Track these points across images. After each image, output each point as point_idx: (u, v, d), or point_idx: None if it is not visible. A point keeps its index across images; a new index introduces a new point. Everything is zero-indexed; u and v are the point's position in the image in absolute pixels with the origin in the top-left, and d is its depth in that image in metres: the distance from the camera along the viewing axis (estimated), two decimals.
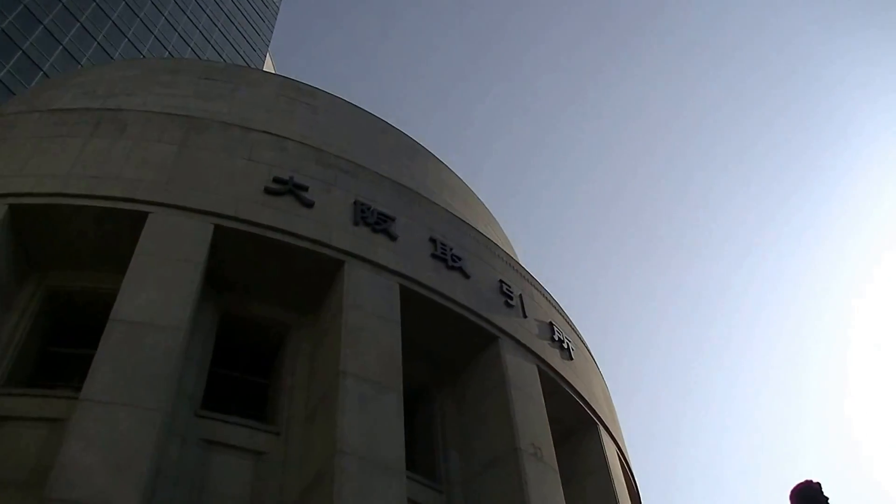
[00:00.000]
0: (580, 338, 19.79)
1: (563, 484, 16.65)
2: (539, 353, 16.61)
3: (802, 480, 8.61)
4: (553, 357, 17.16)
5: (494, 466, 14.02)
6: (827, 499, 8.36)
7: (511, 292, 17.10)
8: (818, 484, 8.46)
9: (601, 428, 17.86)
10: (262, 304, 15.00)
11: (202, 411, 12.92)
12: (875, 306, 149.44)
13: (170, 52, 70.47)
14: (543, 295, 18.73)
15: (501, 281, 17.18)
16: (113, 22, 63.62)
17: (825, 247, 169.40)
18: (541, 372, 16.40)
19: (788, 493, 8.72)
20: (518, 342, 16.16)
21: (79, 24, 58.84)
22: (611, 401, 20.55)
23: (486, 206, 24.71)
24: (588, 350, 20.10)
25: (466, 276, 16.29)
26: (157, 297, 12.35)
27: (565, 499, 16.53)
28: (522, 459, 13.77)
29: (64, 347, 14.11)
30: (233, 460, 12.58)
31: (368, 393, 12.61)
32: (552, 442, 14.99)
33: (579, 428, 17.72)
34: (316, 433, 12.58)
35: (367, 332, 13.58)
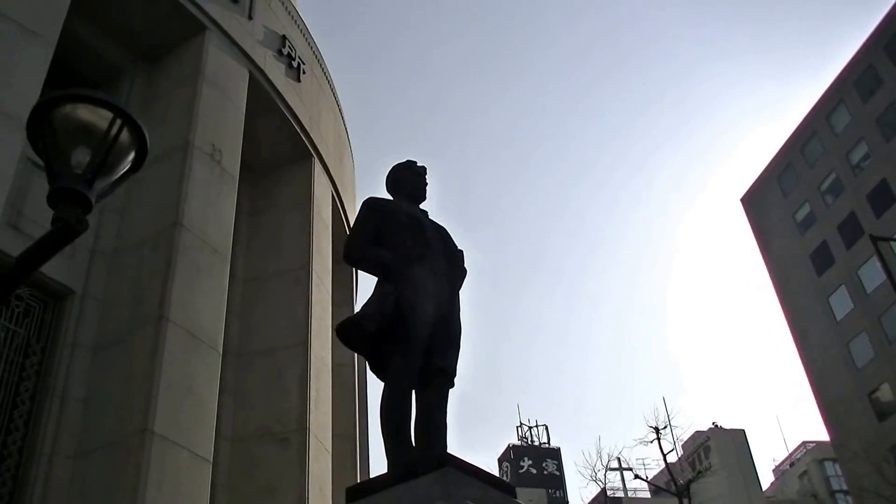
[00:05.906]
0: (322, 65, 18.17)
1: (263, 213, 15.90)
2: (257, 61, 14.89)
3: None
4: (275, 72, 15.55)
5: (160, 161, 12.49)
6: (424, 184, 6.70)
7: None
8: (423, 168, 6.79)
9: (317, 162, 16.74)
10: None
11: None
12: None
13: None
14: (285, 7, 16.82)
15: None
16: None
17: None
18: (256, 83, 14.84)
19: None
20: (232, 41, 14.36)
21: None
22: (344, 137, 19.41)
23: None
24: (329, 81, 18.62)
25: None
26: None
27: (263, 229, 15.77)
28: (192, 155, 12.39)
29: None
30: None
31: (8, 31, 10.57)
32: (240, 149, 13.71)
33: (293, 157, 16.49)
34: None
35: None
